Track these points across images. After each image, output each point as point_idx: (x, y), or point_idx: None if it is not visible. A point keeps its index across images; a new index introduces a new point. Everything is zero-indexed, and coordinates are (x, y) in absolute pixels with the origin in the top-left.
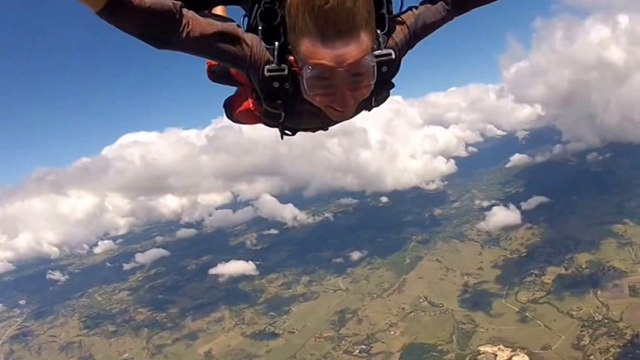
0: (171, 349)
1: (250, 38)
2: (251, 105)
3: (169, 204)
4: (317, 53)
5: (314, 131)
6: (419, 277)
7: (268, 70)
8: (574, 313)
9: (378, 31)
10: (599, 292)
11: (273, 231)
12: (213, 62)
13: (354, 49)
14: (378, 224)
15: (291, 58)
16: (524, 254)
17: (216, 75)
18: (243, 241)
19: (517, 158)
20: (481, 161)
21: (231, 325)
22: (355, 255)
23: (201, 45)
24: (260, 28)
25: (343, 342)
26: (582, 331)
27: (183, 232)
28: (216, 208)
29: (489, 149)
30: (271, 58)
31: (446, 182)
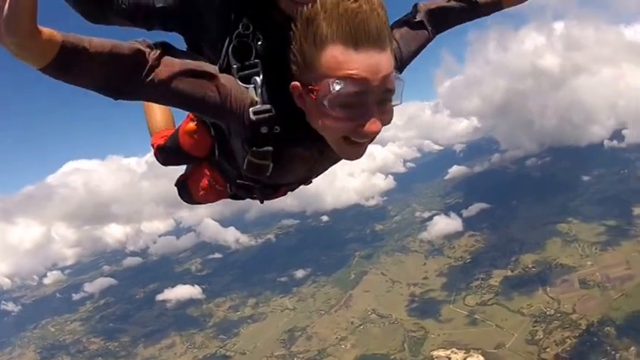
0: None
1: (227, 79)
2: (211, 179)
3: (114, 233)
4: (349, 62)
5: (294, 188)
6: (365, 291)
7: (254, 113)
8: (524, 310)
9: None
10: (548, 289)
11: (217, 255)
12: (161, 141)
13: (387, 60)
14: (321, 243)
15: (295, 84)
16: (469, 260)
17: (167, 154)
18: (189, 267)
19: (455, 170)
20: (419, 176)
21: (182, 350)
22: (300, 273)
23: (166, 92)
24: (234, 66)
25: (295, 359)
26: (535, 326)
27: (129, 261)
28: (160, 236)
29: (427, 164)
30: (255, 99)
31: (385, 198)
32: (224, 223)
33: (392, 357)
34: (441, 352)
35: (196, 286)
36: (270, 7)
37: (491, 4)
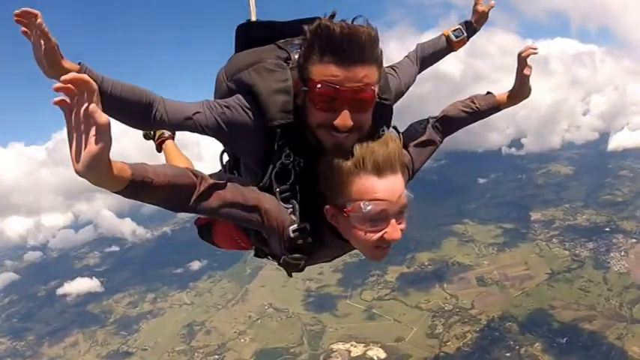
0: None
1: (269, 202)
2: (238, 239)
3: (15, 227)
4: (375, 188)
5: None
6: (261, 286)
7: (293, 232)
8: (422, 305)
9: None
10: (445, 286)
11: (114, 248)
12: (203, 221)
13: (401, 182)
14: None
15: (328, 207)
16: (364, 257)
17: (203, 234)
18: (87, 263)
19: None
20: None
21: (86, 347)
22: (195, 265)
23: (218, 215)
24: (277, 190)
25: (196, 354)
26: (434, 321)
27: (30, 256)
28: (59, 229)
29: None
30: (293, 219)
31: None
32: (121, 215)
33: (292, 350)
34: (341, 346)
35: (95, 279)
36: (307, 138)
37: (490, 109)
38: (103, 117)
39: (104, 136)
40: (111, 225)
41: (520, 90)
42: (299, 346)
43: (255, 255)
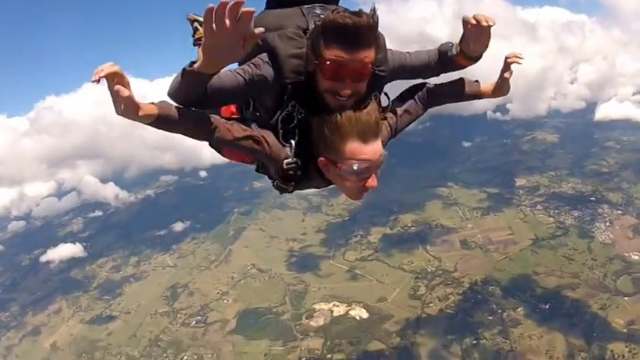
0: (20, 349)
1: (271, 139)
2: (244, 157)
3: None
4: (362, 151)
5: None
6: (244, 247)
7: (287, 164)
8: (405, 267)
9: None
10: (428, 247)
11: (97, 213)
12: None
13: (380, 145)
14: (200, 200)
15: (322, 159)
16: (347, 218)
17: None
18: (71, 230)
19: None
20: None
21: (69, 314)
22: (179, 226)
23: (234, 145)
24: (281, 130)
25: (179, 315)
26: (417, 282)
27: (14, 226)
28: (43, 198)
29: None
30: (288, 154)
31: None
32: (104, 180)
33: (274, 310)
34: (323, 305)
35: (78, 244)
36: (315, 98)
37: (473, 96)
38: (125, 92)
39: (129, 101)
40: (94, 190)
41: (501, 87)
42: (282, 305)
43: (257, 170)
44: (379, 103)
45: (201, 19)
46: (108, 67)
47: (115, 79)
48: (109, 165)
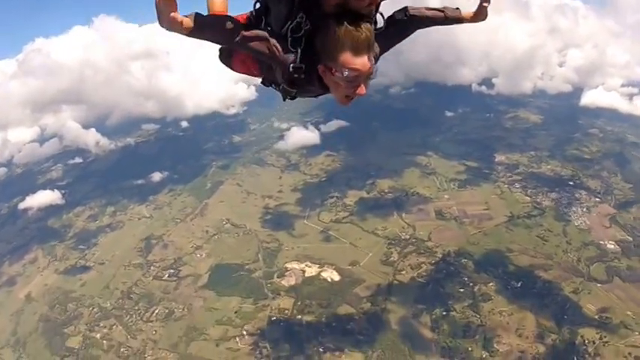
0: None
1: (278, 45)
2: (252, 68)
3: None
4: (353, 62)
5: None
6: (220, 201)
7: (293, 67)
8: (379, 232)
9: None
10: (403, 215)
11: (77, 160)
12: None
13: (371, 59)
14: (179, 151)
15: (321, 67)
16: (324, 179)
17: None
18: (51, 177)
19: None
20: None
21: (45, 264)
22: (157, 176)
23: (250, 47)
24: (290, 37)
25: (152, 268)
26: (390, 248)
27: None
28: (25, 144)
29: None
30: (295, 59)
31: (245, 108)
32: (86, 126)
33: (247, 267)
34: (295, 265)
35: (56, 192)
36: (321, 9)
37: (454, 19)
38: (172, 5)
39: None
40: (76, 136)
41: (478, 13)
42: (254, 262)
43: (262, 83)
44: (375, 22)
45: None
46: None
47: None
48: (93, 111)
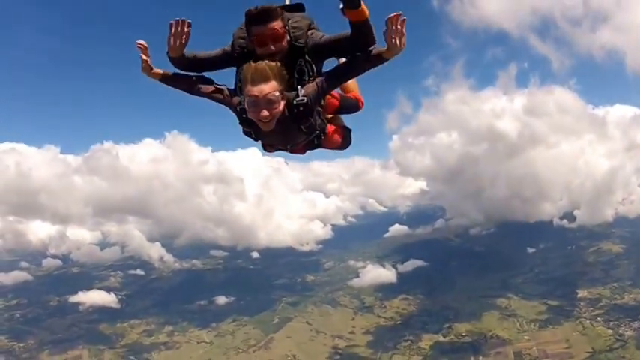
0: None
1: (229, 92)
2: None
3: (38, 232)
4: (251, 90)
5: (283, 148)
6: (287, 337)
7: (240, 108)
8: None
9: (299, 87)
10: (480, 358)
11: (139, 271)
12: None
13: (269, 86)
14: (248, 283)
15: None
16: (399, 322)
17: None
18: (109, 284)
19: (396, 229)
20: (359, 232)
21: None
22: (221, 300)
23: (208, 96)
24: (236, 86)
25: None
26: None
27: (49, 262)
28: (85, 245)
29: (369, 223)
30: (239, 100)
31: (320, 246)
32: (151, 239)
33: None
34: None
35: (112, 294)
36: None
37: (376, 57)
38: (145, 57)
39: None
40: (139, 246)
41: (389, 47)
42: None
43: (244, 133)
44: (301, 70)
45: None
46: (142, 42)
47: (143, 49)
48: (159, 227)
